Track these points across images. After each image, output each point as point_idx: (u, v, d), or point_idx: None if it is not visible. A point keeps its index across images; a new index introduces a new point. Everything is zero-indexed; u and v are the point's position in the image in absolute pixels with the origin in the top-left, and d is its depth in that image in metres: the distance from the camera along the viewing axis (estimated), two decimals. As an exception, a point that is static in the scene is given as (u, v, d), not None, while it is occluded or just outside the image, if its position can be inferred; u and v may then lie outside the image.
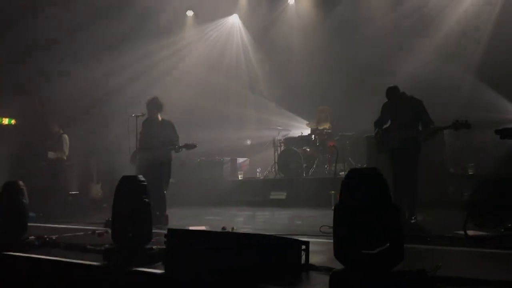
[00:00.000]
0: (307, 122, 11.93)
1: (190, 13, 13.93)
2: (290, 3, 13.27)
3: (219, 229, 6.13)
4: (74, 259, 4.63)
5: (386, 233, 3.24)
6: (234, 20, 14.04)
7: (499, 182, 5.70)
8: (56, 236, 5.96)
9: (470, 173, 8.52)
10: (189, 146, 7.48)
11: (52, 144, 10.09)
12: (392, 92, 6.47)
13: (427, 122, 6.28)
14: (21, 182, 5.67)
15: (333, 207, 3.47)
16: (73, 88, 11.66)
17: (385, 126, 6.71)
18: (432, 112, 6.27)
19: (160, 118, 7.74)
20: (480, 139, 8.37)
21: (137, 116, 7.67)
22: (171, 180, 7.97)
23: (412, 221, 5.98)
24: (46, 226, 7.59)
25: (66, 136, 10.17)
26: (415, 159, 6.31)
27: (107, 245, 4.80)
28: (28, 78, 11.65)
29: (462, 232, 5.14)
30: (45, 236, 5.69)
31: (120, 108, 10.30)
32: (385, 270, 3.23)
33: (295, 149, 10.87)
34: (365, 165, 9.09)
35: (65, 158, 10.14)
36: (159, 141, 7.51)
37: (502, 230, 5.30)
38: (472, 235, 5.11)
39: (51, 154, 9.98)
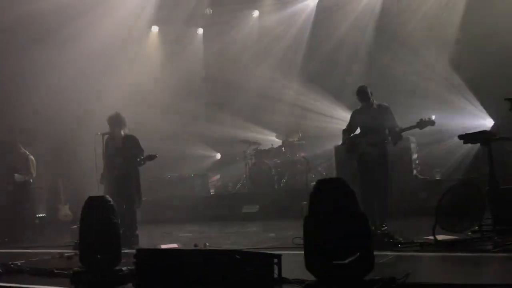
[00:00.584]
0: (276, 134, 11.98)
1: (155, 28, 13.87)
2: (254, 16, 13.37)
3: (191, 247, 6.05)
4: (40, 284, 4.49)
5: (355, 242, 3.26)
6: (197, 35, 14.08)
7: (465, 186, 5.83)
8: (22, 261, 5.77)
9: (437, 178, 8.68)
10: (150, 157, 7.38)
11: (18, 166, 9.82)
12: (363, 91, 6.57)
13: (394, 126, 6.38)
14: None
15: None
16: (37, 107, 11.42)
17: (353, 134, 6.80)
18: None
19: (123, 134, 7.61)
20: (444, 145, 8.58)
21: (103, 135, 7.52)
22: (143, 198, 7.84)
23: (383, 228, 6.04)
24: (11, 252, 7.34)
25: (32, 157, 9.92)
26: (385, 165, 6.39)
27: (75, 269, 4.67)
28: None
29: (431, 237, 5.22)
30: (10, 263, 5.50)
31: (86, 126, 10.12)
32: (356, 280, 3.24)
33: (266, 161, 10.88)
34: (334, 175, 9.17)
35: (31, 180, 9.88)
36: (123, 158, 7.39)
37: (470, 233, 5.40)
38: (441, 240, 5.19)
39: (18, 177, 9.70)
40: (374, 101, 6.62)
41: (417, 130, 6.32)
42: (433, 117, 6.11)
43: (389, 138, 6.42)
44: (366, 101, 6.57)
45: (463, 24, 9.96)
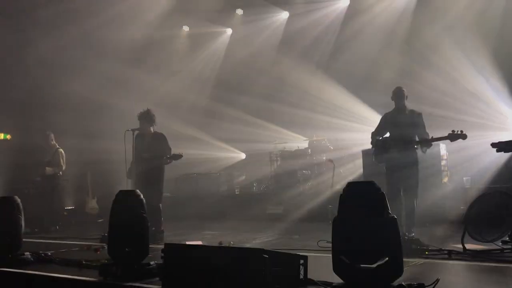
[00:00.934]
0: (305, 139, 11.95)
1: (185, 28, 14.01)
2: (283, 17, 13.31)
3: (216, 244, 6.09)
4: (70, 275, 4.59)
5: (385, 247, 3.24)
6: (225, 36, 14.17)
7: (496, 195, 5.71)
8: (52, 251, 5.92)
9: (467, 186, 8.52)
10: (176, 157, 7.49)
11: (48, 159, 10.05)
12: (400, 91, 6.52)
13: (424, 134, 6.32)
14: (16, 198, 5.64)
15: (330, 222, 3.46)
16: (68, 102, 11.69)
17: (383, 137, 6.73)
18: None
19: (152, 131, 7.74)
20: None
21: (133, 130, 7.65)
22: (168, 194, 7.95)
23: (411, 234, 5.97)
24: (41, 242, 7.52)
25: (62, 150, 10.13)
26: (414, 172, 6.32)
27: (103, 261, 4.76)
28: (22, 92, 11.65)
29: (460, 246, 5.14)
30: (40, 252, 5.65)
31: (117, 121, 10.28)
32: (384, 285, 3.21)
33: (291, 163, 10.88)
34: (362, 179, 9.09)
35: (61, 173, 10.10)
36: (150, 154, 7.51)
37: (500, 243, 5.29)
38: (470, 249, 5.10)
39: (48, 170, 9.94)
40: (407, 106, 6.56)
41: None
42: (464, 131, 6.01)
43: (419, 145, 6.34)
44: (401, 103, 6.51)
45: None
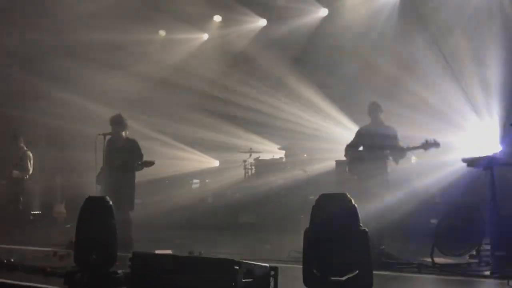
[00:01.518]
0: (279, 147, 11.95)
1: (162, 33, 13.87)
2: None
3: (186, 253, 6.00)
4: (34, 282, 4.45)
5: (355, 259, 3.23)
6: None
7: (465, 210, 5.80)
8: (15, 258, 5.72)
9: (436, 200, 8.63)
10: (147, 164, 7.41)
11: (15, 161, 9.77)
12: (376, 106, 6.58)
13: (401, 152, 6.38)
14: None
15: (302, 232, 3.45)
16: (40, 105, 11.45)
17: (356, 150, 6.78)
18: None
19: (124, 136, 7.62)
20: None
21: (104, 135, 7.51)
22: (137, 201, 7.83)
23: (381, 247, 5.99)
24: (5, 248, 7.28)
25: (30, 153, 9.87)
26: (385, 185, 6.37)
27: (69, 268, 4.63)
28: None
29: (429, 259, 5.19)
30: (3, 259, 5.46)
31: (87, 126, 10.11)
32: (354, 298, 3.20)
33: (265, 172, 10.87)
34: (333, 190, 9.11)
35: (27, 176, 9.83)
36: (122, 160, 7.39)
37: (468, 257, 5.37)
38: (439, 263, 5.16)
39: (15, 173, 9.66)
40: (383, 121, 6.63)
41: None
42: (437, 140, 6.10)
43: (392, 156, 6.41)
44: (377, 117, 6.58)
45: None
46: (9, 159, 9.88)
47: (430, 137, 6.10)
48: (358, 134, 6.86)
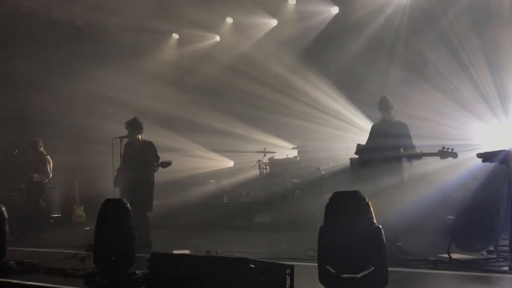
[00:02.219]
0: (293, 146, 11.96)
1: (175, 36, 13.99)
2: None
3: (203, 253, 6.06)
4: (55, 284, 4.54)
5: (370, 256, 3.25)
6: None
7: (482, 205, 5.76)
8: (37, 260, 5.84)
9: (453, 196, 8.57)
10: (164, 164, 7.49)
11: (36, 166, 9.97)
12: (386, 102, 6.57)
13: (410, 146, 6.36)
14: (1, 205, 5.57)
15: (317, 230, 3.47)
16: (58, 109, 11.63)
17: (369, 146, 6.76)
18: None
19: (140, 139, 7.73)
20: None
21: (121, 138, 7.62)
22: (155, 202, 7.92)
23: (398, 244, 5.98)
24: (26, 250, 7.42)
25: (49, 158, 10.08)
26: (399, 182, 6.34)
27: (89, 270, 4.72)
28: (12, 99, 11.60)
29: (446, 255, 5.17)
30: (25, 261, 5.58)
31: (105, 129, 10.25)
32: (369, 294, 3.22)
33: (280, 171, 10.88)
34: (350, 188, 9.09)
35: (47, 180, 10.02)
36: (139, 163, 7.49)
37: (485, 253, 5.33)
38: (456, 258, 5.13)
39: (35, 177, 9.86)
40: (394, 116, 6.61)
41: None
42: (455, 149, 6.04)
43: (405, 156, 6.38)
44: (387, 113, 6.56)
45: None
46: (29, 164, 10.08)
47: (448, 145, 6.05)
48: (372, 131, 6.85)
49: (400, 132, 6.47)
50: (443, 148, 6.02)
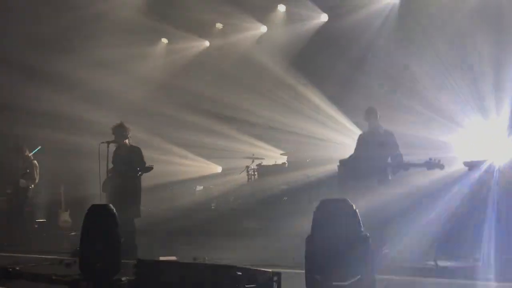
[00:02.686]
0: (282, 152, 11.98)
1: (164, 40, 13.94)
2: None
3: (190, 260, 6.02)
4: (39, 290, 4.47)
5: (357, 264, 3.25)
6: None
7: (467, 213, 5.80)
8: (21, 266, 5.75)
9: (440, 204, 8.62)
10: (146, 169, 7.50)
11: (23, 171, 9.86)
12: (373, 111, 6.58)
13: (397, 155, 6.38)
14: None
15: (305, 237, 3.47)
16: (43, 112, 11.52)
17: (354, 156, 6.78)
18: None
19: (128, 144, 7.71)
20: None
21: (108, 143, 7.58)
22: (142, 207, 7.87)
23: (385, 251, 5.99)
24: (10, 256, 7.32)
25: (36, 162, 9.99)
26: (384, 191, 6.35)
27: (74, 276, 4.66)
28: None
29: (433, 263, 5.19)
30: (9, 267, 5.49)
31: (91, 134, 10.17)
32: (357, 302, 3.22)
33: (268, 178, 10.87)
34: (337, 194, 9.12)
35: (33, 186, 9.92)
36: (125, 168, 7.46)
37: (471, 260, 5.37)
38: (443, 266, 5.15)
39: (22, 183, 9.76)
40: (381, 125, 6.64)
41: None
42: (441, 161, 6.07)
43: (391, 166, 6.40)
44: (374, 123, 6.58)
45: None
46: (14, 169, 9.95)
47: (435, 157, 6.09)
48: (360, 140, 6.87)
49: (388, 142, 6.49)
50: (430, 159, 6.04)
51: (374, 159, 6.43)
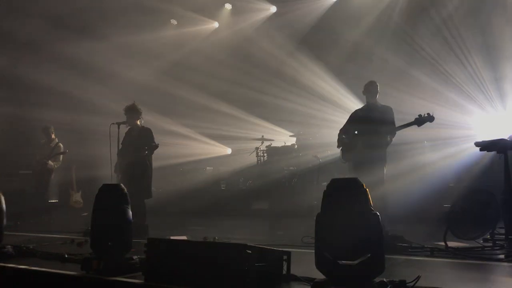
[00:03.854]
0: (291, 134, 11.96)
1: (173, 21, 13.85)
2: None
3: (200, 239, 6.08)
4: (52, 268, 4.54)
5: (367, 243, 3.25)
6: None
7: (478, 193, 5.78)
8: (34, 245, 5.85)
9: (450, 184, 8.59)
10: (152, 148, 7.53)
11: (50, 152, 9.98)
12: (374, 87, 6.50)
13: (391, 128, 6.30)
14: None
15: (315, 217, 3.47)
16: (54, 92, 11.58)
17: (348, 136, 6.70)
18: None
19: (139, 125, 7.72)
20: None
21: (118, 124, 7.61)
22: (152, 188, 7.93)
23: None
24: (23, 235, 7.44)
25: (61, 145, 10.16)
26: (381, 171, 6.29)
27: (86, 254, 4.72)
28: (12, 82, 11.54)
29: (442, 243, 5.19)
30: (22, 245, 5.58)
31: (102, 115, 10.22)
32: (366, 281, 3.23)
33: (277, 159, 10.88)
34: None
35: (55, 167, 10.09)
36: (135, 148, 7.50)
37: (481, 241, 5.36)
38: (452, 246, 5.15)
39: (49, 164, 9.92)
40: (379, 101, 6.55)
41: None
42: (432, 113, 5.97)
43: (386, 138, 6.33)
44: (373, 98, 6.49)
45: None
46: (32, 148, 10.08)
47: (424, 111, 5.98)
48: (354, 116, 6.73)
49: (385, 118, 6.38)
50: (419, 115, 5.94)
51: (370, 134, 6.32)
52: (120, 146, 7.69)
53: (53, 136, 10.21)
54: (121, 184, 4.64)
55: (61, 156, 10.13)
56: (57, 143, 10.14)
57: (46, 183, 10.01)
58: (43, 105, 11.40)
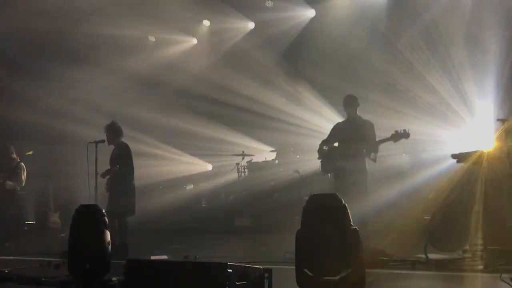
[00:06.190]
0: (272, 149, 11.98)
1: (152, 38, 13.82)
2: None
3: (181, 258, 6.00)
4: (28, 293, 4.42)
5: (347, 258, 3.25)
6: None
7: (457, 205, 5.84)
8: (9, 268, 5.69)
9: (429, 197, 8.67)
10: (108, 172, 7.49)
11: (8, 172, 9.73)
12: (352, 100, 6.55)
13: (372, 145, 6.36)
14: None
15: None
16: (31, 111, 11.38)
17: (329, 148, 6.74)
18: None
19: (120, 143, 7.68)
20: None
21: (96, 143, 7.53)
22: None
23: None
24: (-1, 259, 7.25)
25: (23, 164, 9.86)
26: (362, 181, 6.33)
27: (63, 277, 4.61)
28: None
29: (423, 255, 5.22)
30: (-3, 270, 5.43)
31: (80, 134, 10.08)
32: (347, 297, 3.22)
33: (259, 174, 10.88)
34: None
35: (19, 188, 9.81)
36: (114, 168, 7.45)
37: (461, 252, 5.41)
38: (433, 259, 5.19)
39: (8, 184, 9.63)
40: (360, 115, 6.61)
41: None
42: (408, 130, 6.06)
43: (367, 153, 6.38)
44: (353, 112, 6.54)
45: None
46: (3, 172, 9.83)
47: (400, 128, 6.06)
48: (336, 129, 6.79)
49: (366, 134, 6.44)
50: (396, 131, 6.03)
51: (350, 145, 6.37)
52: (99, 165, 7.62)
53: (13, 155, 9.96)
54: (98, 205, 4.58)
55: (23, 175, 9.85)
56: (18, 162, 9.89)
57: (7, 205, 9.69)
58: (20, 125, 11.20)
